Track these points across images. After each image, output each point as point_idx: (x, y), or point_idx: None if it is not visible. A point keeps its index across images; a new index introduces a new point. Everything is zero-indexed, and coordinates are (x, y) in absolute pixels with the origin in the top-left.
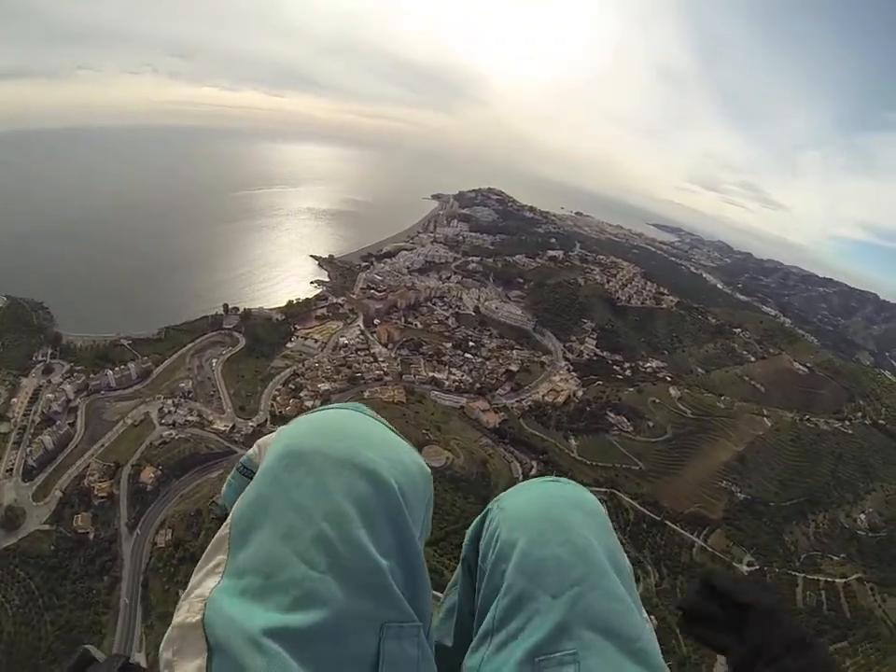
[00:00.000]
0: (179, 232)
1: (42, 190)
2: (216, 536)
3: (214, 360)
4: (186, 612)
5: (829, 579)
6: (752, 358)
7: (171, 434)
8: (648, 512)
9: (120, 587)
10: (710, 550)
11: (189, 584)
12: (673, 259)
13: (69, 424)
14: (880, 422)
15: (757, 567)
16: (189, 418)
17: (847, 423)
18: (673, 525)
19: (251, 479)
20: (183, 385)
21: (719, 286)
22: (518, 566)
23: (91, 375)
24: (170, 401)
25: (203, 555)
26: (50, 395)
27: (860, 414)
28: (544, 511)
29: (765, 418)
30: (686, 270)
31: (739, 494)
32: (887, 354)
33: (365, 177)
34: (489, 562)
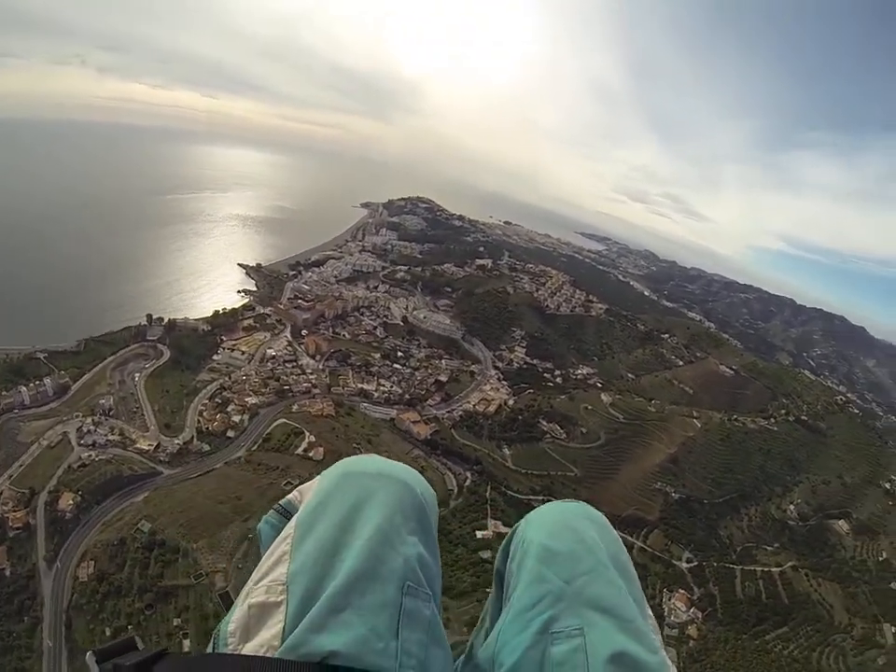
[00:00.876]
0: (102, 237)
1: None
2: (276, 540)
3: (137, 374)
4: (265, 594)
5: (765, 568)
6: (680, 363)
7: (91, 455)
8: None
9: (42, 628)
10: (650, 550)
11: (255, 576)
12: (601, 267)
13: None
14: (802, 418)
15: (696, 563)
16: (111, 437)
17: (773, 420)
18: None
19: (288, 518)
20: (104, 401)
21: (646, 293)
22: (537, 555)
23: (3, 392)
24: (89, 420)
25: (265, 554)
26: None
27: (783, 412)
28: (560, 520)
29: (695, 420)
30: (614, 278)
31: (674, 494)
32: (804, 354)
33: (296, 184)
34: (516, 561)
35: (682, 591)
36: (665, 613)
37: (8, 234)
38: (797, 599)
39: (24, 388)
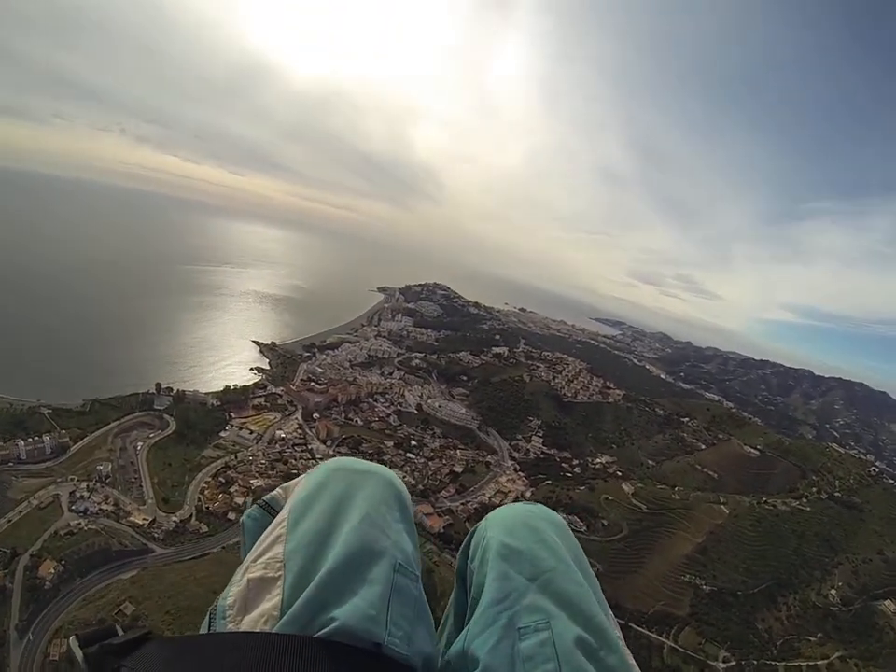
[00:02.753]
0: (121, 299)
1: None
2: (270, 525)
3: (139, 443)
4: (263, 570)
5: (810, 662)
6: (702, 446)
7: (80, 523)
8: None
9: None
10: (682, 650)
11: (250, 556)
12: (617, 352)
13: None
14: (836, 494)
15: (734, 663)
16: (104, 507)
17: (804, 500)
18: (639, 628)
19: (272, 515)
20: (101, 467)
21: (662, 376)
22: (499, 553)
23: (1, 443)
24: (84, 485)
25: (259, 540)
26: None
27: (814, 490)
28: (522, 520)
29: (722, 505)
30: (630, 362)
31: (704, 586)
32: (827, 425)
33: (313, 264)
34: (478, 559)
35: None
36: None
37: (32, 285)
38: None
39: (22, 442)
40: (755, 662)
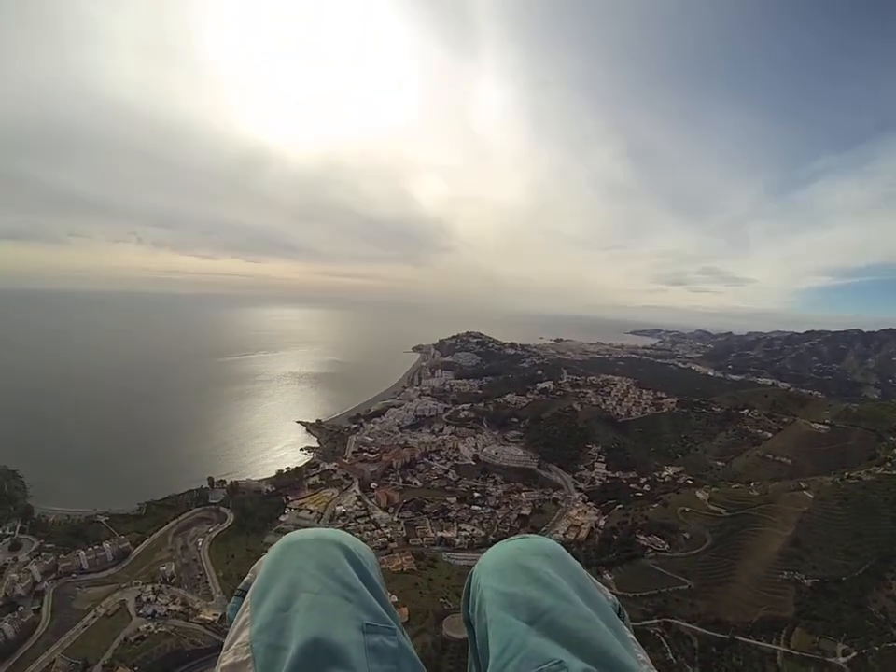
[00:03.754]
0: (162, 400)
1: (22, 352)
2: (238, 612)
3: (200, 539)
4: (233, 656)
5: None
6: (769, 434)
7: (149, 627)
8: (712, 633)
9: None
10: (796, 653)
11: (224, 645)
12: (659, 360)
13: (34, 610)
14: None
15: (855, 654)
16: (172, 607)
17: (888, 464)
18: (745, 639)
19: None
20: (164, 568)
21: (710, 373)
22: (494, 601)
23: (62, 555)
24: (149, 588)
25: (230, 628)
26: (15, 575)
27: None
28: (513, 560)
29: (805, 491)
30: (675, 367)
31: (805, 580)
32: (890, 381)
33: (345, 337)
34: (476, 608)
35: None
36: None
37: (75, 398)
38: None
39: (83, 552)
40: (877, 648)
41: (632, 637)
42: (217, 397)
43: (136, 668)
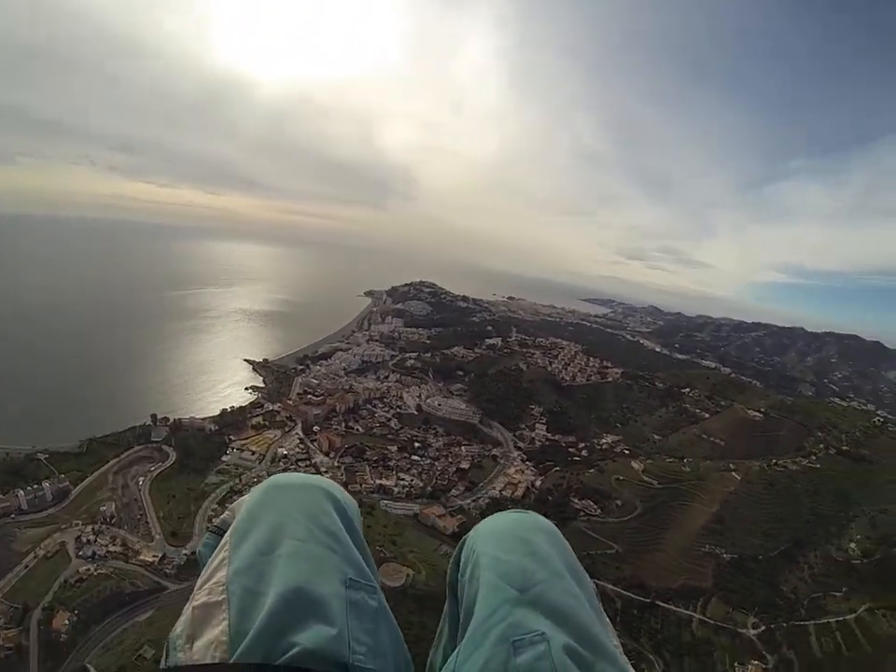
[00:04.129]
0: (105, 333)
1: None
2: (215, 549)
3: (141, 478)
4: (207, 595)
5: (839, 618)
6: (706, 415)
7: (89, 569)
8: (635, 596)
9: None
10: (711, 621)
11: (198, 583)
12: (609, 330)
13: None
14: (843, 448)
15: (764, 628)
16: (112, 548)
17: (813, 457)
18: (665, 605)
19: (223, 537)
20: (105, 507)
21: (657, 349)
22: (489, 566)
23: (0, 495)
24: (89, 528)
25: (206, 565)
26: None
27: (822, 446)
28: (511, 531)
29: (733, 472)
30: (623, 339)
31: (725, 555)
32: (825, 381)
33: (299, 276)
34: (468, 573)
35: (755, 662)
36: None
37: (14, 329)
38: (881, 645)
39: (22, 492)
40: (784, 624)
41: (608, 621)
42: (165, 332)
43: (76, 612)
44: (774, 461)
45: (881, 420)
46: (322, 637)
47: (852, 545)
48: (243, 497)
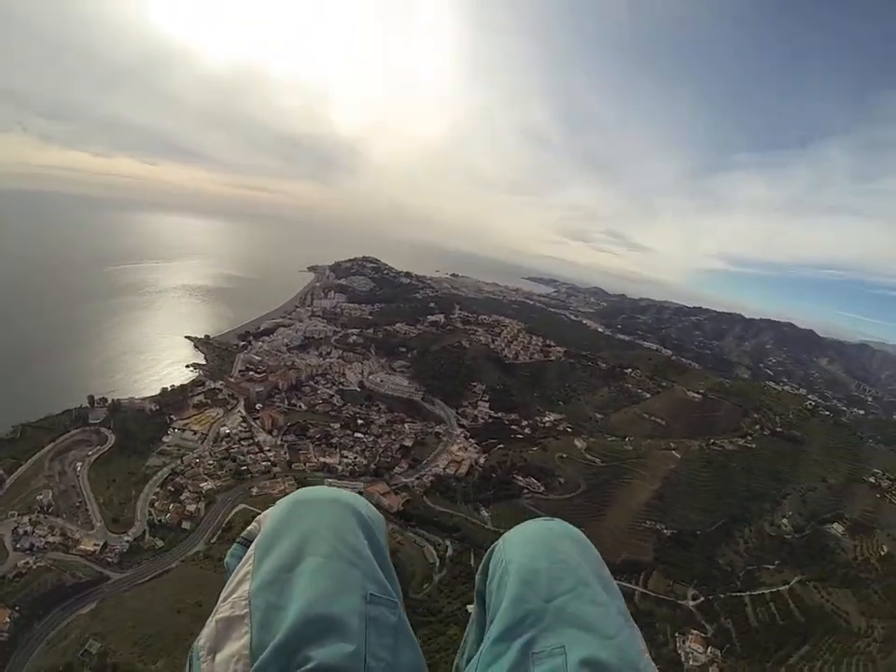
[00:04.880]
0: (39, 312)
1: None
2: (239, 563)
3: (79, 463)
4: (230, 609)
5: (773, 589)
6: (647, 395)
7: (28, 562)
8: None
9: None
10: (652, 594)
11: (222, 595)
12: (552, 309)
13: None
14: (777, 430)
15: (703, 599)
16: (51, 539)
17: (749, 438)
18: None
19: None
20: (41, 496)
21: (600, 329)
22: (517, 575)
23: None
24: (26, 518)
25: (228, 580)
26: None
27: (757, 427)
28: (541, 539)
29: (673, 451)
30: (567, 319)
31: (665, 530)
32: (760, 365)
33: (241, 251)
34: (496, 581)
35: (695, 631)
36: (683, 659)
37: None
38: (812, 614)
39: None
40: (722, 596)
41: (636, 626)
42: (103, 309)
43: (17, 608)
44: (712, 441)
45: (812, 404)
46: (339, 654)
47: (784, 521)
48: (268, 510)
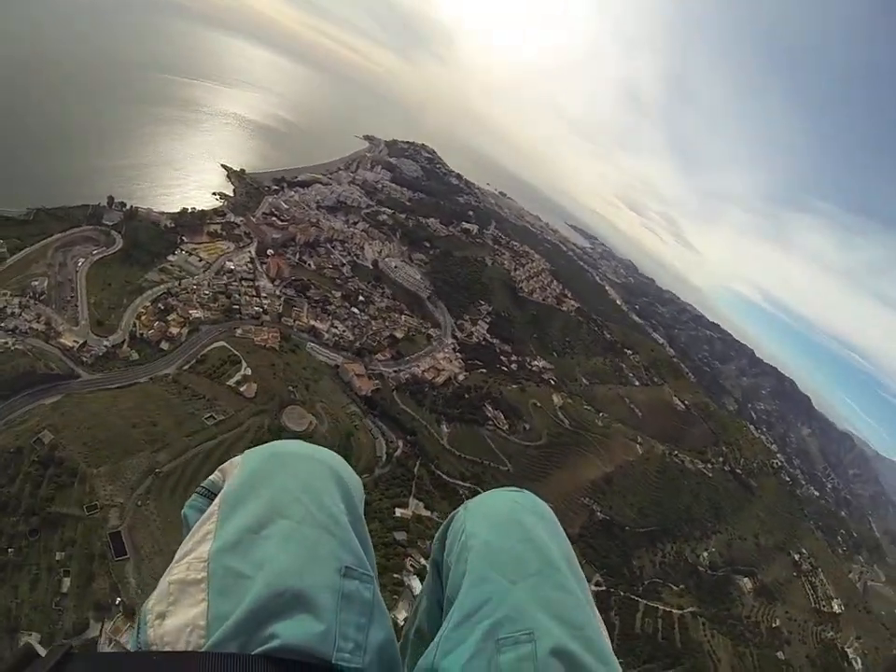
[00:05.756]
0: (78, 101)
1: None
2: (199, 518)
3: (81, 259)
4: (186, 571)
5: (667, 608)
6: (637, 383)
7: (7, 342)
8: None
9: None
10: None
11: (178, 555)
12: (582, 263)
13: None
14: (737, 471)
15: (604, 589)
16: (35, 326)
17: (710, 465)
18: None
19: (212, 500)
20: (37, 282)
21: (618, 301)
22: (480, 553)
23: None
24: (17, 300)
25: (189, 534)
26: None
27: (721, 459)
28: (507, 514)
29: (638, 445)
30: (592, 278)
31: (599, 513)
32: (749, 405)
33: (304, 98)
34: (454, 554)
35: None
36: None
37: None
38: (690, 646)
39: None
40: (622, 593)
41: (598, 615)
42: (149, 114)
43: None
44: (676, 452)
45: (778, 464)
46: (307, 633)
47: (705, 554)
48: (236, 458)
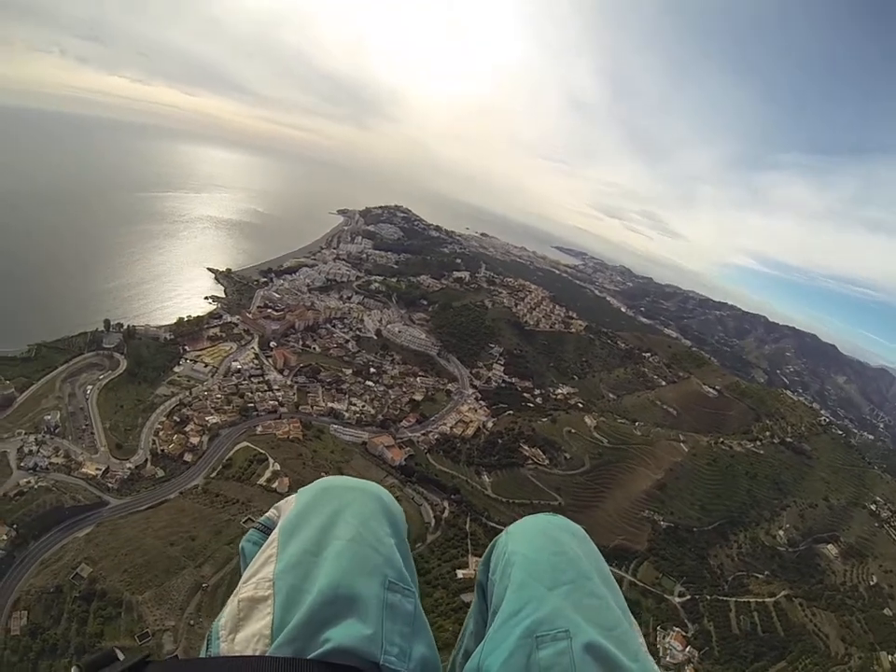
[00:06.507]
0: (64, 233)
1: None
2: (258, 548)
3: (89, 386)
4: (254, 589)
5: (759, 599)
6: (663, 382)
7: (30, 482)
8: None
9: None
10: (640, 584)
11: (244, 577)
12: (577, 282)
13: None
14: (787, 440)
15: (689, 597)
16: (54, 460)
17: (758, 443)
18: None
19: (269, 535)
20: (50, 416)
21: (622, 309)
22: (519, 565)
23: None
24: (32, 438)
25: (251, 562)
26: None
27: (768, 434)
28: (543, 532)
29: (682, 443)
30: (591, 293)
31: (662, 522)
32: (778, 371)
33: (271, 188)
34: (499, 573)
35: (677, 629)
36: (661, 654)
37: None
38: (793, 631)
39: None
40: (708, 597)
41: (634, 620)
42: (126, 234)
43: (15, 526)
44: (721, 439)
45: (826, 420)
46: (356, 636)
47: (780, 533)
48: (289, 497)
